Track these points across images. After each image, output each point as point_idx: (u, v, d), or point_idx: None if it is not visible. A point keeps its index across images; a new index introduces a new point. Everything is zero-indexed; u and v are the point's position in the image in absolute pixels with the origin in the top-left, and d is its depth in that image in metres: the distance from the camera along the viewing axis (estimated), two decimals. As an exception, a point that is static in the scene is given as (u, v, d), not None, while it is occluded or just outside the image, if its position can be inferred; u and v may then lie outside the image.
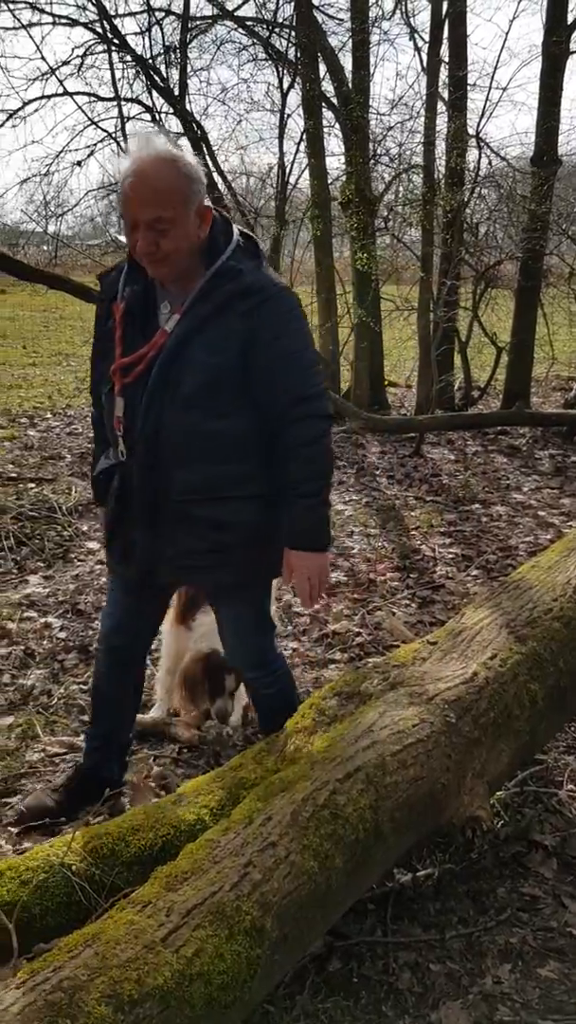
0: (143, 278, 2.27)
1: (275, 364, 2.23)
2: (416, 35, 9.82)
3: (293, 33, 8.92)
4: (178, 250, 2.14)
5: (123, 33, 8.76)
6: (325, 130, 8.99)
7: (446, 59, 9.16)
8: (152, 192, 2.08)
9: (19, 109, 9.05)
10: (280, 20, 9.20)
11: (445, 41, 9.12)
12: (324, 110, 8.91)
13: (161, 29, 8.95)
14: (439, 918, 2.28)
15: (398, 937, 2.20)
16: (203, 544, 2.33)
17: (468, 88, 9.23)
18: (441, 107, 9.13)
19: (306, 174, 9.17)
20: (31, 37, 8.52)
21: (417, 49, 9.77)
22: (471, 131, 9.27)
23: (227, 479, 2.28)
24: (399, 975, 2.09)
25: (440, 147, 9.12)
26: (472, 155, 9.40)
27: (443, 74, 9.18)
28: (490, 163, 9.79)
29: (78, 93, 9.16)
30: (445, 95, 9.16)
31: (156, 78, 8.67)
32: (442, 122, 9.11)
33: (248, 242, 2.31)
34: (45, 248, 11.77)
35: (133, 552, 2.39)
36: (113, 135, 9.16)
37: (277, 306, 2.22)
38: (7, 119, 9.06)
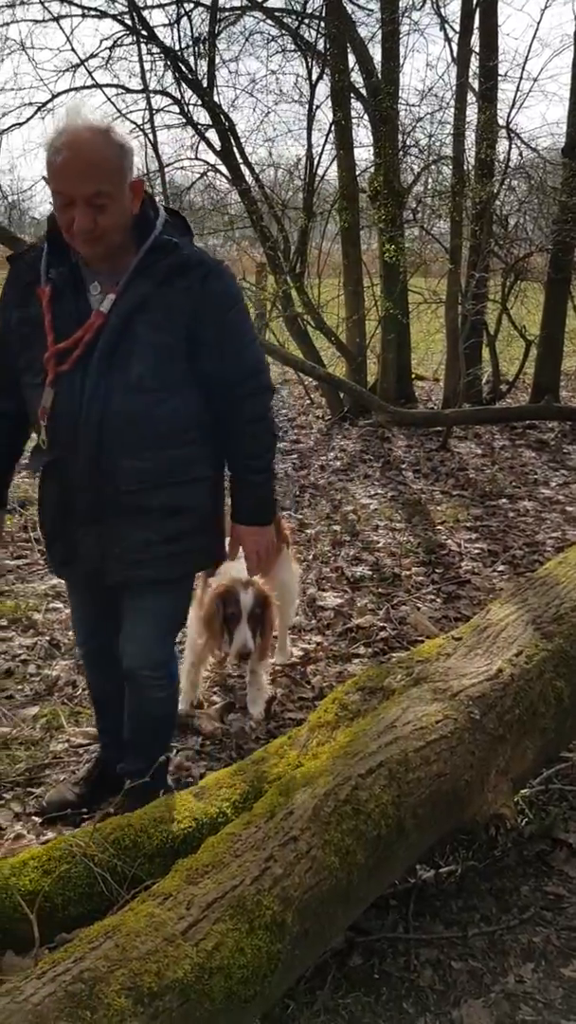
0: (69, 258, 2.16)
1: (224, 339, 2.18)
2: (447, 25, 9.70)
3: (322, 24, 8.86)
4: (116, 226, 2.05)
5: (152, 25, 8.76)
6: (354, 121, 8.94)
7: (477, 49, 9.06)
8: (88, 165, 1.97)
9: (48, 101, 9.06)
10: (309, 11, 9.15)
11: (476, 31, 9.02)
12: (353, 101, 8.85)
13: (190, 20, 8.93)
14: (461, 915, 2.27)
15: (420, 934, 2.19)
16: (156, 535, 2.23)
17: (499, 78, 9.11)
18: (471, 98, 9.02)
19: (334, 166, 9.12)
20: (61, 29, 8.52)
21: (447, 39, 9.63)
22: (501, 122, 9.17)
23: (181, 461, 2.22)
24: (421, 972, 2.08)
25: (470, 138, 9.03)
26: (502, 146, 9.30)
27: (473, 64, 9.08)
28: (520, 154, 9.69)
29: (107, 85, 9.17)
30: (475, 85, 9.06)
31: (184, 70, 8.65)
32: (472, 113, 9.02)
33: (176, 218, 2.25)
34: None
35: (76, 553, 2.27)
36: (141, 127, 9.17)
37: (220, 280, 2.17)
38: (36, 111, 9.08)
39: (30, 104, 9.14)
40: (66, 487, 2.22)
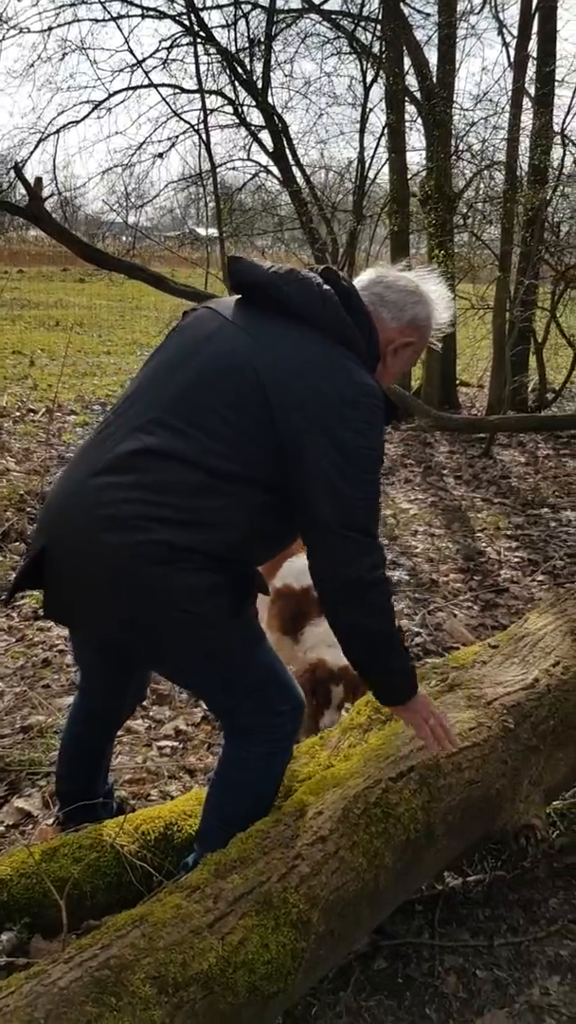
0: None
1: None
2: (504, 30, 9.66)
3: (378, 27, 8.86)
4: None
5: (209, 26, 8.81)
6: (407, 125, 8.93)
7: (534, 54, 8.99)
8: None
9: (105, 100, 9.19)
10: (366, 14, 9.15)
11: (534, 36, 8.96)
12: (407, 105, 8.83)
13: (247, 22, 8.99)
14: (488, 925, 2.25)
15: (445, 941, 2.18)
16: None
17: (555, 84, 9.04)
18: (527, 103, 8.96)
19: (385, 169, 9.12)
20: (120, 29, 8.58)
21: (505, 44, 9.61)
22: (556, 128, 9.09)
23: None
24: (444, 979, 2.07)
25: (524, 144, 8.97)
26: (556, 152, 9.22)
27: (530, 70, 9.02)
28: (575, 161, 9.59)
29: (162, 85, 9.26)
30: (531, 91, 8.99)
31: (240, 71, 8.70)
32: (527, 118, 8.96)
33: None
34: (124, 238, 11.96)
35: None
36: (195, 127, 9.24)
37: None
38: (92, 109, 9.20)
39: (87, 102, 9.27)
40: None
